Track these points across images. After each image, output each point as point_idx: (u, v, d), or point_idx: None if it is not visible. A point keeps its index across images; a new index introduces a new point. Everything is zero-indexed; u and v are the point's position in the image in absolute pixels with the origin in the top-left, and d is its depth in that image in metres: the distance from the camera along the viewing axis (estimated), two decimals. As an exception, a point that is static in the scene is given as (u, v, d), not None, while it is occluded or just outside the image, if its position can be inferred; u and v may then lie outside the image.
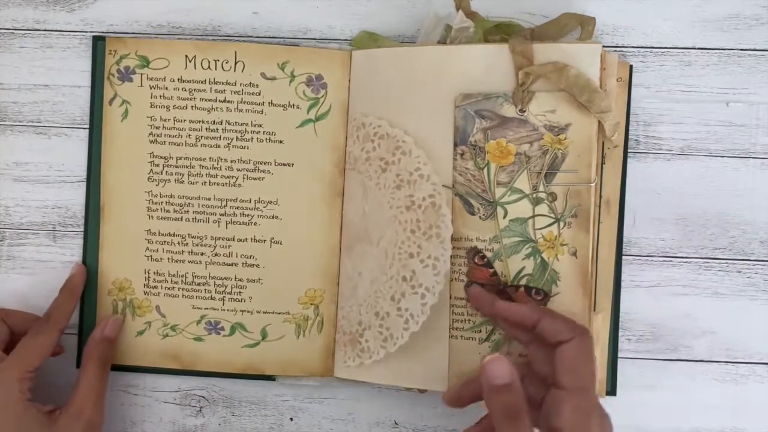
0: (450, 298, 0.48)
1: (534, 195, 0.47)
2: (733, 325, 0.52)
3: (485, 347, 0.48)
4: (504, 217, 0.48)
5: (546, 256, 0.47)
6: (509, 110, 0.47)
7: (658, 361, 0.52)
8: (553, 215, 0.47)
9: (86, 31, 0.53)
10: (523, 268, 0.47)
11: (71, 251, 0.53)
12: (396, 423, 0.53)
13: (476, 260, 0.48)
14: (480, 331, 0.48)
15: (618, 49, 0.52)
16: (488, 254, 0.48)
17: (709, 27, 0.52)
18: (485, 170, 0.48)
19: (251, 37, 0.53)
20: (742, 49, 0.52)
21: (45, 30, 0.53)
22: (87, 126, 0.53)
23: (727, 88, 0.52)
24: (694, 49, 0.52)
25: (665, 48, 0.52)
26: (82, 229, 0.53)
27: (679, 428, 0.52)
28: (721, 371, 0.52)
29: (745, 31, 0.52)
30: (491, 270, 0.48)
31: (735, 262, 0.51)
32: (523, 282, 0.47)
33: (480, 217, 0.48)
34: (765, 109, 0.51)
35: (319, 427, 0.53)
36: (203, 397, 0.53)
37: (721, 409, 0.52)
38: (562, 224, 0.47)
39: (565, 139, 0.47)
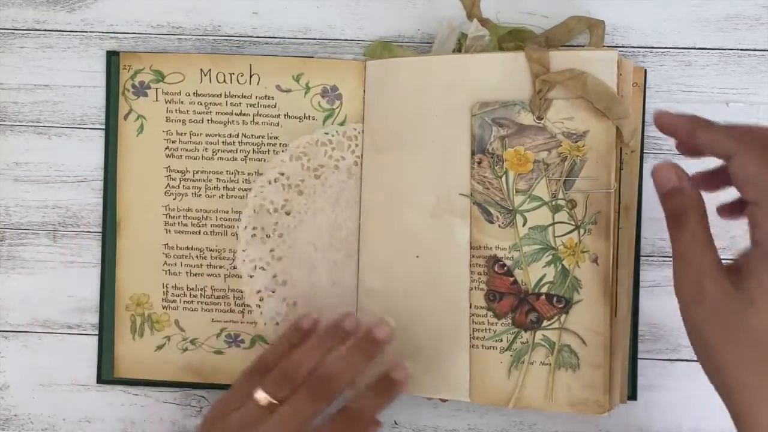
0: (470, 307, 0.48)
1: (553, 202, 0.47)
2: (733, 324, 0.52)
3: (507, 356, 0.48)
4: (523, 225, 0.48)
5: (567, 263, 0.47)
6: (527, 118, 0.47)
7: (658, 361, 0.52)
8: (573, 222, 0.47)
9: (86, 31, 0.53)
10: (544, 275, 0.47)
11: (71, 251, 0.53)
12: (396, 423, 0.53)
13: (496, 269, 0.48)
14: (501, 340, 0.48)
15: (617, 49, 0.52)
16: (508, 262, 0.48)
17: (709, 27, 0.52)
18: (503, 178, 0.48)
19: (251, 37, 0.53)
20: (742, 49, 0.52)
21: (45, 30, 0.53)
22: (87, 126, 0.53)
23: (727, 88, 0.52)
24: (694, 49, 0.52)
25: (665, 48, 0.52)
26: (81, 229, 0.53)
27: (679, 428, 0.52)
28: (721, 371, 0.52)
29: (745, 31, 0.52)
30: (512, 278, 0.48)
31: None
32: (544, 290, 0.47)
33: (499, 226, 0.48)
34: (765, 109, 0.51)
35: (319, 427, 0.53)
36: (203, 397, 0.53)
37: (721, 409, 0.51)
38: (582, 231, 0.47)
39: (583, 146, 0.47)
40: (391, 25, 0.53)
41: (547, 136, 0.47)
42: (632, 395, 0.51)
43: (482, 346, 0.48)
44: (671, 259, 0.52)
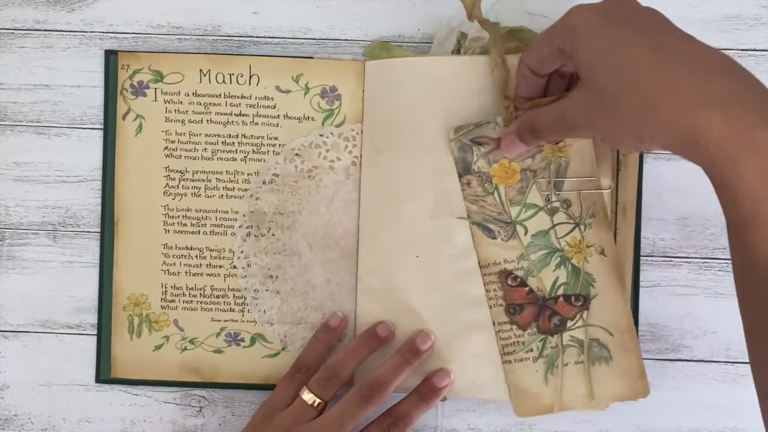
0: (494, 324, 0.49)
1: (548, 206, 0.48)
2: (733, 325, 0.51)
3: (540, 364, 0.49)
4: (525, 234, 0.48)
5: (576, 261, 0.48)
6: (501, 132, 0.48)
7: (658, 361, 0.52)
8: (572, 221, 0.48)
9: (86, 31, 0.53)
10: (557, 278, 0.48)
11: (71, 251, 0.53)
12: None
13: (509, 282, 0.48)
14: (531, 350, 0.49)
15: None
16: (520, 273, 0.48)
17: (709, 27, 0.52)
18: (495, 193, 0.48)
19: (251, 37, 0.53)
20: (742, 49, 0.52)
21: (45, 30, 0.53)
22: (87, 126, 0.53)
23: (727, 88, 0.51)
24: (694, 49, 0.52)
25: (665, 48, 0.52)
26: (81, 229, 0.53)
27: (679, 428, 0.52)
28: (721, 371, 0.52)
29: (744, 31, 0.52)
30: (527, 288, 0.48)
31: (735, 262, 0.51)
32: (560, 292, 0.48)
33: (502, 239, 0.49)
34: (765, 109, 0.51)
35: (319, 427, 0.53)
36: (203, 397, 0.53)
37: (721, 409, 0.52)
38: (582, 227, 0.48)
39: (564, 146, 0.48)
40: (391, 25, 0.53)
41: None
42: (633, 394, 0.51)
43: (514, 360, 0.49)
44: (671, 259, 0.52)
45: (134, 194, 0.52)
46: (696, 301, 0.52)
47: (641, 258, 0.52)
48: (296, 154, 0.51)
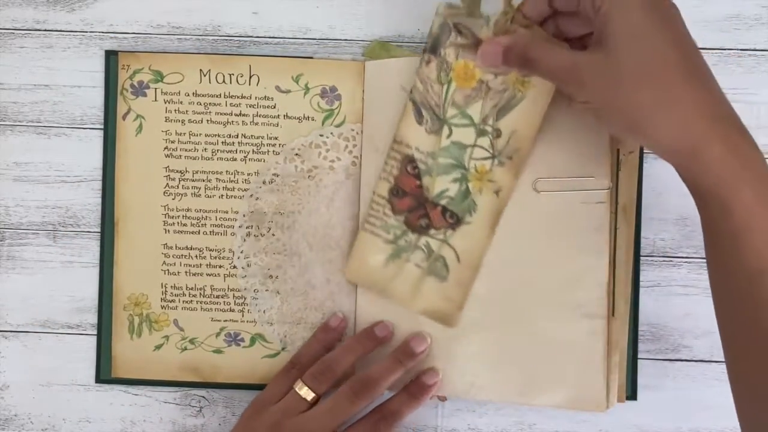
0: (373, 194, 0.50)
1: (481, 126, 0.48)
2: (733, 325, 0.52)
3: (389, 248, 0.50)
4: (447, 137, 0.49)
5: (472, 186, 0.49)
6: (487, 35, 0.45)
7: (658, 361, 0.52)
8: (491, 151, 0.48)
9: (86, 31, 0.53)
10: (447, 189, 0.49)
11: (71, 251, 0.53)
12: (396, 423, 0.53)
13: (408, 168, 0.49)
14: (389, 234, 0.50)
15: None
16: (421, 167, 0.49)
17: (709, 27, 0.52)
18: (445, 87, 0.48)
19: (251, 37, 0.53)
20: (742, 49, 0.52)
21: (45, 30, 0.53)
22: (87, 126, 0.53)
23: (727, 88, 0.51)
24: (694, 49, 0.52)
25: (665, 48, 0.52)
26: (81, 229, 0.53)
27: (679, 428, 0.52)
28: (721, 371, 0.52)
29: (745, 31, 0.52)
30: (418, 182, 0.49)
31: (735, 262, 0.51)
32: (443, 202, 0.49)
33: (426, 130, 0.49)
34: (765, 109, 0.51)
35: (319, 427, 0.53)
36: (203, 397, 0.53)
37: (721, 409, 0.52)
38: (496, 162, 0.48)
39: (527, 81, 0.47)
40: (391, 25, 0.53)
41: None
42: (632, 395, 0.51)
43: (371, 231, 0.50)
44: (671, 259, 0.52)
45: (134, 194, 0.52)
46: (696, 301, 0.52)
47: (641, 258, 0.52)
48: (296, 154, 0.51)
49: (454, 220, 0.49)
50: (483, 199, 0.49)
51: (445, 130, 0.48)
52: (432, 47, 0.48)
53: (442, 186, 0.49)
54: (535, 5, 0.43)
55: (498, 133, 0.48)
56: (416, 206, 0.49)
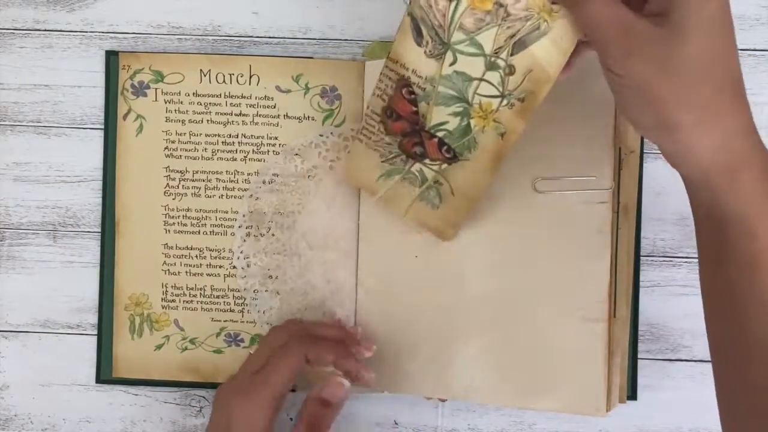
0: (367, 108, 0.45)
1: (492, 58, 0.40)
2: (733, 325, 0.52)
3: (383, 166, 0.46)
4: (451, 64, 0.41)
5: (474, 123, 0.43)
6: None
7: (658, 361, 0.52)
8: (500, 89, 0.41)
9: (86, 31, 0.53)
10: (446, 122, 0.43)
11: (71, 251, 0.53)
12: (396, 423, 0.53)
13: (403, 92, 0.43)
14: (383, 150, 0.46)
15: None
16: (418, 92, 0.42)
17: (710, 27, 0.52)
18: (453, 4, 0.39)
19: (251, 37, 0.53)
20: (742, 49, 0.52)
21: (45, 30, 0.53)
22: (87, 126, 0.53)
23: (728, 88, 0.51)
24: (695, 49, 0.52)
25: (665, 48, 0.52)
26: (81, 229, 0.53)
27: (679, 428, 0.52)
28: (721, 371, 0.52)
29: (745, 31, 0.52)
30: (414, 108, 0.43)
31: (735, 262, 0.51)
32: (440, 134, 0.44)
33: (426, 53, 0.41)
34: (765, 109, 0.51)
35: (319, 427, 0.53)
36: (203, 397, 0.53)
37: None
38: (505, 102, 0.41)
39: (557, 12, 0.38)
40: (391, 25, 0.52)
41: None
42: (632, 395, 0.51)
43: (365, 143, 0.46)
44: (671, 259, 0.52)
45: (135, 194, 0.52)
46: (696, 301, 0.51)
47: (641, 258, 0.52)
48: (296, 154, 0.51)
49: (451, 155, 0.44)
50: (485, 138, 0.43)
51: (449, 57, 0.41)
52: None
53: (440, 117, 0.43)
54: None
55: (511, 70, 0.40)
56: (411, 132, 0.44)
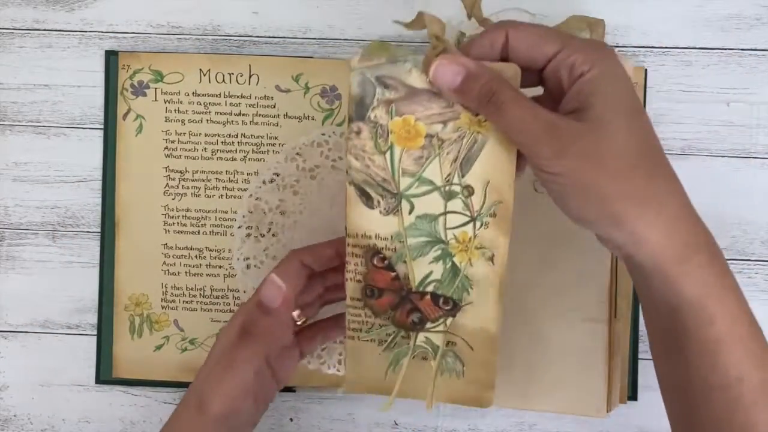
0: (346, 298, 0.41)
1: (447, 188, 0.39)
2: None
3: (387, 356, 0.42)
4: (410, 212, 0.39)
5: (458, 260, 0.40)
6: (419, 80, 0.37)
7: (659, 361, 0.52)
8: (468, 213, 0.39)
9: (86, 31, 0.53)
10: (431, 272, 0.40)
11: (71, 251, 0.53)
12: (396, 423, 0.53)
13: (375, 262, 0.40)
14: (380, 338, 0.42)
15: (618, 48, 0.52)
16: (390, 255, 0.40)
17: (710, 27, 0.52)
18: (388, 154, 0.38)
19: (251, 36, 0.53)
20: (742, 49, 0.52)
21: (45, 30, 0.53)
22: (86, 126, 0.53)
23: (728, 88, 0.51)
24: (695, 48, 0.52)
25: (665, 48, 0.52)
26: (81, 229, 0.53)
27: (679, 428, 0.52)
28: (721, 371, 0.51)
29: (745, 30, 0.52)
30: (393, 274, 0.40)
31: (735, 262, 0.51)
32: (429, 288, 0.40)
33: (380, 212, 0.39)
34: (765, 109, 0.51)
35: (319, 428, 0.53)
36: (203, 397, 0.53)
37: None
38: (478, 224, 0.39)
39: (485, 121, 0.37)
40: (390, 25, 0.52)
41: (443, 105, 0.37)
42: (632, 395, 0.51)
43: (358, 339, 0.42)
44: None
45: (134, 194, 0.52)
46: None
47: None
48: (297, 154, 0.51)
49: (450, 305, 0.40)
50: (476, 270, 0.40)
51: (405, 205, 0.39)
52: (357, 113, 0.38)
53: (422, 270, 0.40)
54: (482, 48, 0.37)
55: (470, 190, 0.39)
56: (400, 301, 0.41)
